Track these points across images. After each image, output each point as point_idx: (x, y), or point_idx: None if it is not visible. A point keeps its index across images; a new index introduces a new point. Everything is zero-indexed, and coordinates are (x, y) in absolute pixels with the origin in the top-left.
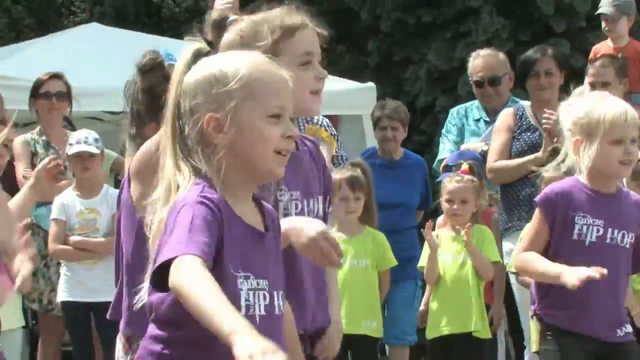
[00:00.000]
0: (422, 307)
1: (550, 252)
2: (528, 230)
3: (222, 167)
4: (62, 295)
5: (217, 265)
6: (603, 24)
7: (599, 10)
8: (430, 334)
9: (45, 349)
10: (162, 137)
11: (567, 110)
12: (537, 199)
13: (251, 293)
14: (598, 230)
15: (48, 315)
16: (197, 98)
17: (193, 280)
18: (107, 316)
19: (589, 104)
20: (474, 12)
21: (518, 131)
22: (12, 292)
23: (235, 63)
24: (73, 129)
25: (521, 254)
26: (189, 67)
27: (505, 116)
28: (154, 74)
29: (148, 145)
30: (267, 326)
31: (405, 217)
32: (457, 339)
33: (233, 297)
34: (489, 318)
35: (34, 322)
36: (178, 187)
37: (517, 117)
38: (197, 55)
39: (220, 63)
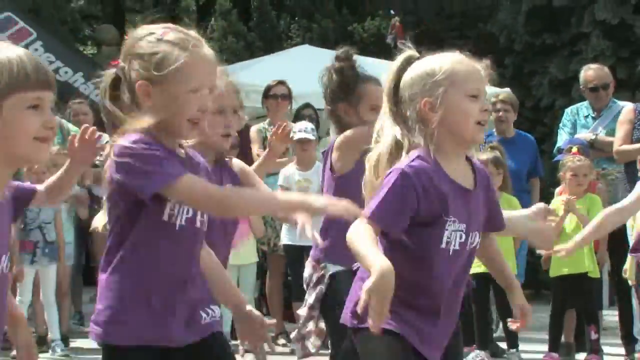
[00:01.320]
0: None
1: None
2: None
3: (435, 137)
4: (284, 239)
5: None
6: None
7: None
8: (552, 274)
9: (271, 280)
10: (381, 115)
11: None
12: None
13: (453, 233)
14: None
15: (274, 255)
16: (414, 89)
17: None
18: None
19: None
20: (585, 36)
21: (637, 123)
22: (247, 236)
23: (440, 61)
24: (317, 118)
25: None
26: (401, 68)
27: (627, 112)
28: (345, 61)
29: (358, 131)
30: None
31: (516, 182)
32: (573, 278)
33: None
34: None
35: (264, 259)
36: (397, 151)
37: (637, 112)
38: (409, 60)
39: (430, 62)
